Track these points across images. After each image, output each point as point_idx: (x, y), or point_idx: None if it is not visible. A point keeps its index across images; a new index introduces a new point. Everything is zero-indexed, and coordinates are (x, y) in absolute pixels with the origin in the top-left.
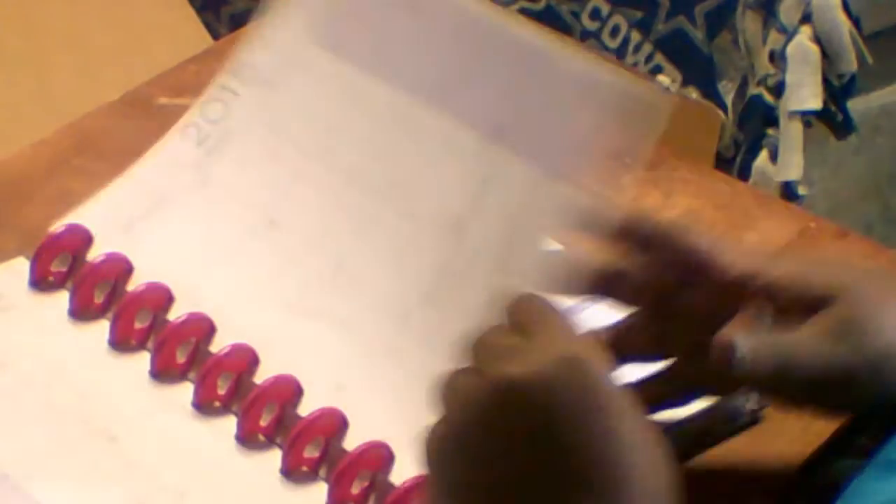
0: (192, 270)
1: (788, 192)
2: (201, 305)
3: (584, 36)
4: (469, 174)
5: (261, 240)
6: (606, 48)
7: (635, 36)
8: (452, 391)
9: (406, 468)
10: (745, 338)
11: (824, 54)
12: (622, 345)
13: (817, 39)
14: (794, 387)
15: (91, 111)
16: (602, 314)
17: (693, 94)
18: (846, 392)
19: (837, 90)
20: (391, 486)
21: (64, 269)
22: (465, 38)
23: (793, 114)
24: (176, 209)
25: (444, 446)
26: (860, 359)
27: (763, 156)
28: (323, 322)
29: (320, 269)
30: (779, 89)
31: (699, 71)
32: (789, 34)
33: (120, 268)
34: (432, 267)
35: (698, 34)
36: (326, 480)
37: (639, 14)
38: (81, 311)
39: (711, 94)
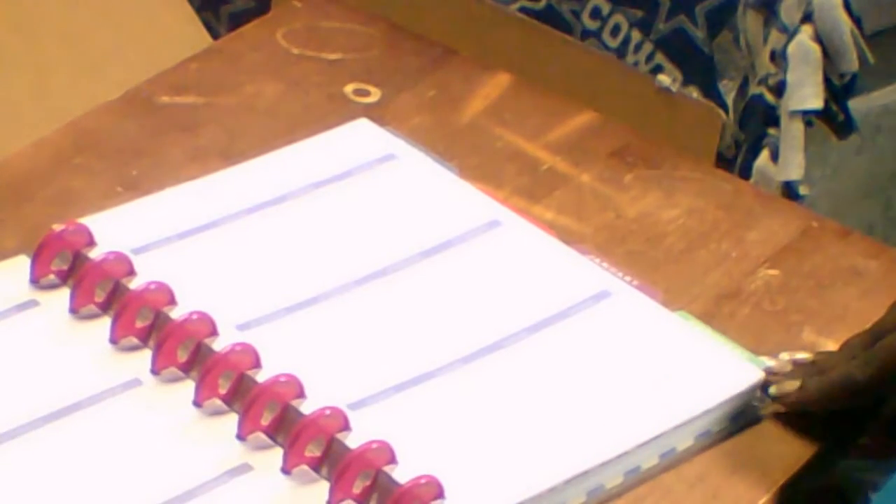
0: (193, 269)
1: (790, 191)
2: (203, 304)
3: (585, 35)
4: None
5: (263, 238)
6: (607, 47)
7: (636, 35)
8: None
9: (408, 467)
10: None
11: (825, 54)
12: None
13: (818, 39)
14: None
15: (91, 110)
16: None
17: (694, 93)
18: None
19: (839, 90)
20: (393, 484)
21: (65, 267)
22: None
23: (794, 113)
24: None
25: None
26: None
27: (764, 155)
28: (325, 320)
29: (323, 266)
30: (780, 89)
31: (700, 70)
32: (790, 33)
33: (121, 266)
34: None
35: (699, 33)
36: (328, 479)
37: (639, 13)
38: (82, 309)
39: (712, 93)
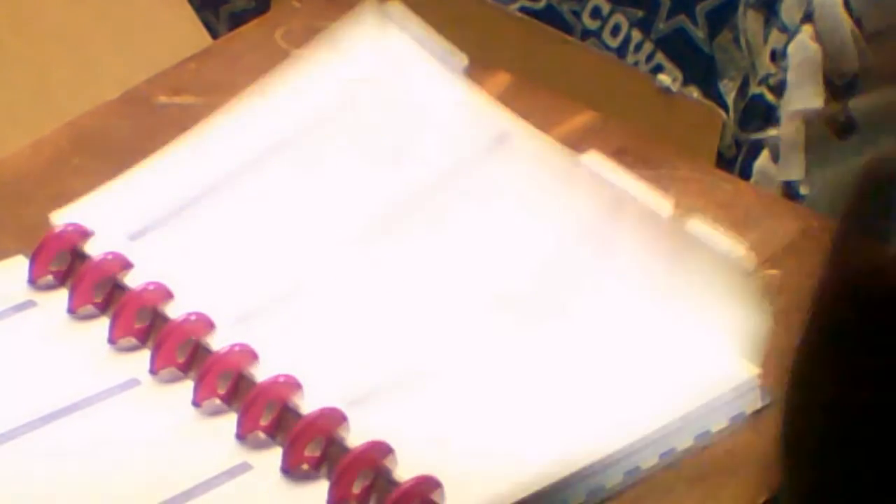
0: (192, 269)
1: (790, 191)
2: (201, 304)
3: (585, 35)
4: None
5: (261, 237)
6: (607, 47)
7: (636, 35)
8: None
9: (408, 467)
10: None
11: (826, 53)
12: None
13: (819, 38)
14: None
15: (90, 110)
16: None
17: (694, 93)
18: None
19: (839, 89)
20: (393, 484)
21: (63, 268)
22: None
23: (794, 113)
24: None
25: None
26: None
27: (764, 155)
28: (323, 319)
29: (323, 265)
30: (780, 88)
31: (700, 70)
32: (791, 33)
33: (119, 266)
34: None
35: (699, 33)
36: (328, 478)
37: (639, 13)
38: (80, 310)
39: (712, 93)
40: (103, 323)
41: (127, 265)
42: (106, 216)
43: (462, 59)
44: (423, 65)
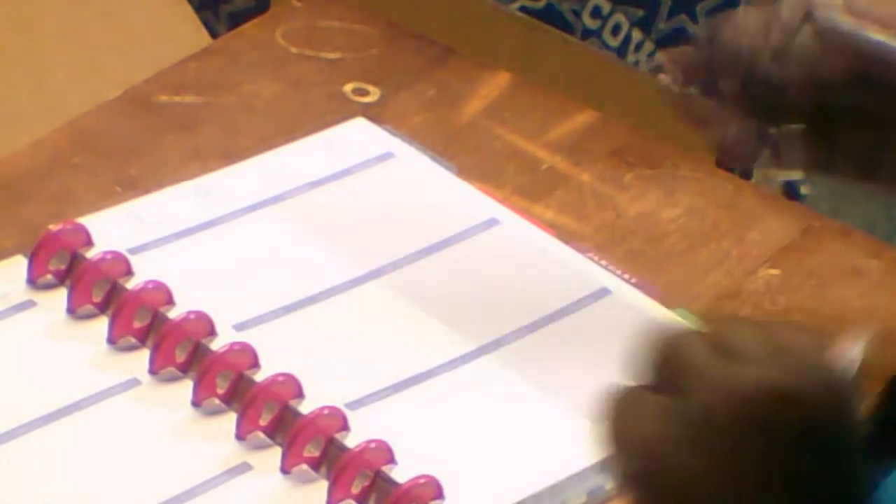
0: (191, 268)
1: (791, 191)
2: (200, 304)
3: (585, 34)
4: None
5: (261, 237)
6: (608, 47)
7: (636, 34)
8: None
9: (407, 467)
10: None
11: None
12: None
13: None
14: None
15: (90, 109)
16: None
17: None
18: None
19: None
20: (392, 484)
21: (62, 267)
22: None
23: None
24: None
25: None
26: None
27: (765, 155)
28: (323, 320)
29: (321, 265)
30: None
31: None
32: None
33: (119, 266)
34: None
35: (700, 32)
36: (327, 479)
37: (640, 12)
38: (80, 309)
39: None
40: (103, 322)
41: (126, 264)
42: (109, 230)
43: (453, 166)
44: (416, 154)
